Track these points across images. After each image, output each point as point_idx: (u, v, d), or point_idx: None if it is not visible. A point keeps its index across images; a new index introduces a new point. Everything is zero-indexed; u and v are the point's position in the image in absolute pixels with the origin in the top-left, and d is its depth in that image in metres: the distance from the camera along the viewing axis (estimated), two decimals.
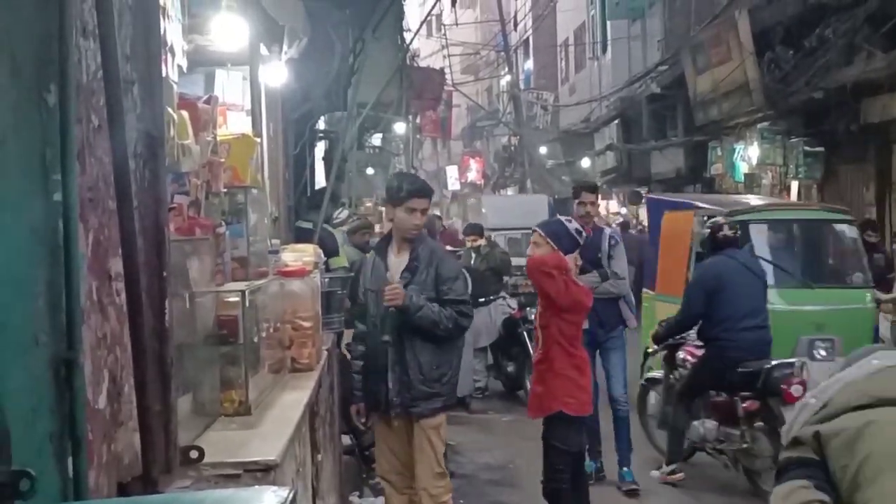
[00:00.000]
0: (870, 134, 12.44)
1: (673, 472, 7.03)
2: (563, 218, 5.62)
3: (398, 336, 4.77)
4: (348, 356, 5.77)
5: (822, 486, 2.09)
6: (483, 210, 18.52)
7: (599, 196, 7.37)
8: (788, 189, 14.58)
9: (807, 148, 13.78)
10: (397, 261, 4.91)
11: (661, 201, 10.64)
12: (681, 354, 7.28)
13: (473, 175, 37.94)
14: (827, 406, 2.18)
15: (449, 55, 25.43)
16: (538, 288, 5.40)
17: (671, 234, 9.27)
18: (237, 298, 3.43)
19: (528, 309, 9.69)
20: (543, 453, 5.42)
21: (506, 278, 10.77)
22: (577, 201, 7.17)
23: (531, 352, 9.57)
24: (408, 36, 15.32)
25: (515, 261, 10.95)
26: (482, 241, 10.80)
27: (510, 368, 10.38)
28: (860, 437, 2.07)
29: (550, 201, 19.50)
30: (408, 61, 15.27)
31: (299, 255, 5.09)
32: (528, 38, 32.59)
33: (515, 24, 31.75)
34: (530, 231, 5.61)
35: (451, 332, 4.78)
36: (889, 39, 11.14)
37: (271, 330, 4.05)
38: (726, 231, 6.84)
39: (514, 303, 10.24)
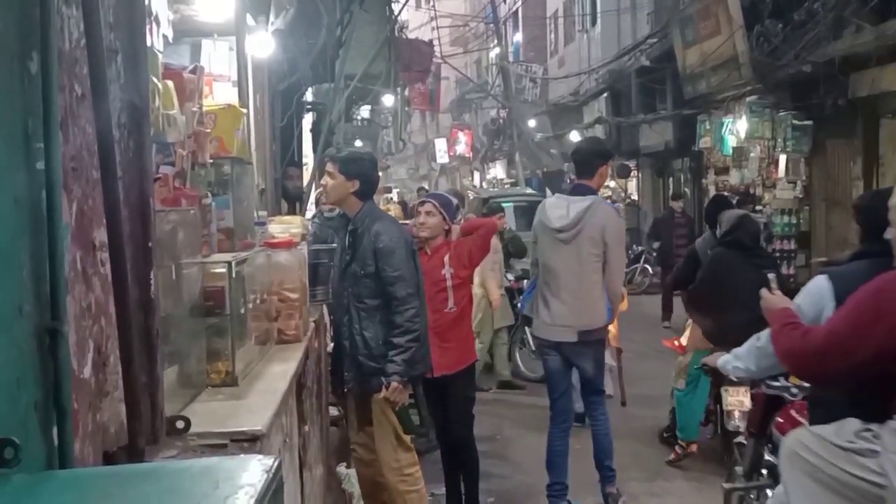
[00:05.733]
0: (858, 108, 12.46)
1: None
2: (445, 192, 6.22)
3: (347, 311, 4.75)
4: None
5: None
6: None
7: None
8: (776, 163, 14.61)
9: (795, 122, 13.81)
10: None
11: None
12: None
13: (462, 148, 37.89)
14: None
15: (437, 27, 25.26)
16: (482, 248, 5.78)
17: None
18: (224, 270, 3.43)
19: (524, 281, 9.70)
20: (454, 404, 5.51)
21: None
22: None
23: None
24: (396, 7, 15.22)
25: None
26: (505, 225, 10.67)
27: None
28: None
29: None
30: (396, 33, 15.18)
31: (286, 226, 5.08)
32: (517, 11, 32.43)
33: None
34: None
35: (416, 324, 4.61)
36: (878, 13, 11.12)
37: (258, 301, 4.05)
38: None
39: (511, 275, 10.27)
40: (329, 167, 4.82)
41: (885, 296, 3.04)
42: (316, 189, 9.69)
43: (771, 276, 3.91)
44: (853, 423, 3.24)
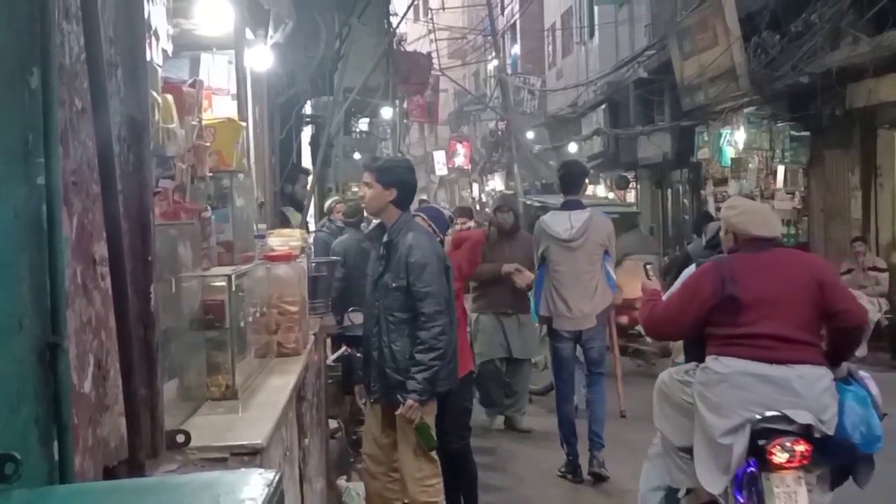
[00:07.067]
0: (855, 118, 12.50)
1: None
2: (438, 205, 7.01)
3: (377, 322, 4.77)
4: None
5: None
6: None
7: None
8: (774, 174, 14.63)
9: (793, 132, 13.84)
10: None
11: None
12: None
13: (461, 160, 37.89)
14: None
15: (436, 39, 25.32)
16: (470, 261, 6.19)
17: None
18: (223, 283, 3.42)
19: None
20: (451, 415, 5.40)
21: None
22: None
23: None
24: (394, 20, 15.28)
25: None
26: (471, 223, 10.77)
27: None
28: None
29: None
30: (394, 46, 15.24)
31: (285, 239, 5.08)
32: (515, 23, 32.49)
33: (502, 9, 31.69)
34: None
35: (441, 342, 4.61)
36: (874, 24, 11.17)
37: (258, 314, 4.04)
38: None
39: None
40: (366, 177, 4.82)
41: (701, 279, 4.32)
42: (319, 200, 9.70)
43: (649, 266, 5.26)
44: (689, 365, 4.46)
